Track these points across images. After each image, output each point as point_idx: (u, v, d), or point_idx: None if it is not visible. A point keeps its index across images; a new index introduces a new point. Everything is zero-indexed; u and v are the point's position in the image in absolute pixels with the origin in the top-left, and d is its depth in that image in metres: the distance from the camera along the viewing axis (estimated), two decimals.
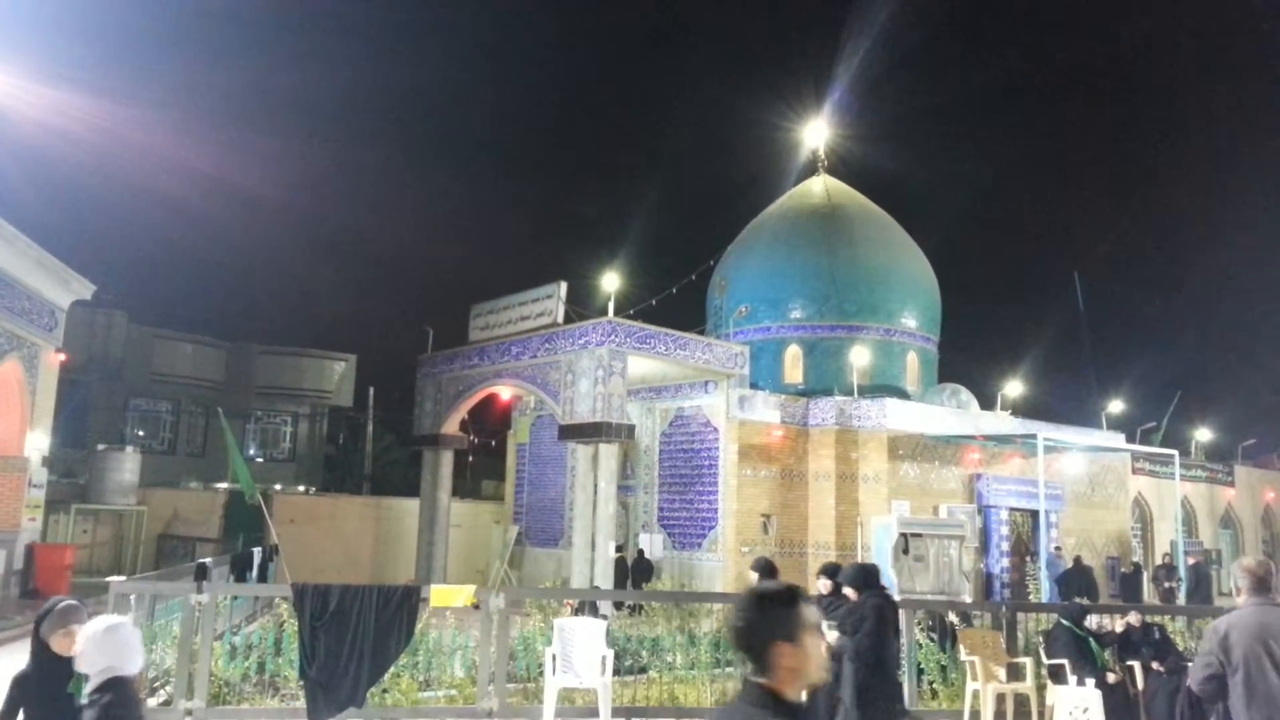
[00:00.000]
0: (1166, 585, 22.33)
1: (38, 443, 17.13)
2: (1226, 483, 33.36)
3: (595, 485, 19.37)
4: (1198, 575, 20.63)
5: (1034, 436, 21.23)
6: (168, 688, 8.92)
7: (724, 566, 20.52)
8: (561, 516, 23.98)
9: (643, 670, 10.31)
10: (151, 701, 8.82)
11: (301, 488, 30.14)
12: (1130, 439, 29.32)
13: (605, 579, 18.86)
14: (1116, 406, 31.43)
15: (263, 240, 65.66)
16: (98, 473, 23.21)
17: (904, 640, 9.22)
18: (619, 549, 20.79)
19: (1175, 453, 25.34)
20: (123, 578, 9.64)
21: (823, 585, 7.86)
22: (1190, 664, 8.55)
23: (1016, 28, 78.27)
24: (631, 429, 20.40)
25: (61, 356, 17.91)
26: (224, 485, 25.70)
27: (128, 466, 23.50)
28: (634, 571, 20.72)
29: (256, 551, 16.46)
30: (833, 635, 6.94)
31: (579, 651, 8.82)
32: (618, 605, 16.49)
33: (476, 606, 8.88)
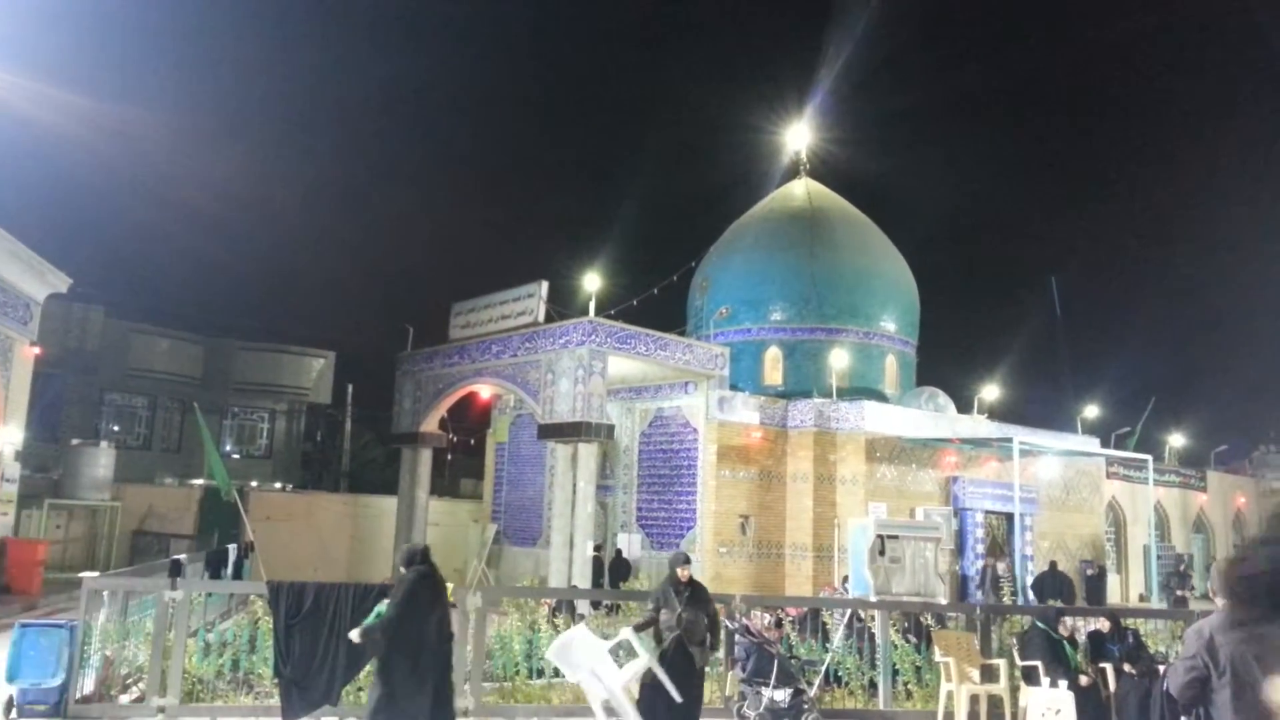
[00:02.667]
0: (1179, 593, 22.36)
1: (10, 437, 16.97)
2: (1199, 488, 33.76)
3: (574, 485, 19.36)
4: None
5: (1010, 440, 21.42)
6: (140, 685, 8.86)
7: (702, 567, 20.53)
8: (540, 516, 23.95)
9: None
10: (124, 698, 8.76)
11: (278, 485, 29.96)
12: (1105, 444, 29.59)
13: (583, 578, 18.86)
14: (1092, 411, 31.72)
15: (242, 236, 65.21)
16: (72, 468, 22.98)
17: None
18: (597, 549, 20.80)
19: (1149, 458, 25.65)
20: (96, 574, 9.56)
21: (681, 574, 7.99)
22: (1163, 666, 8.66)
23: (995, 34, 78.84)
24: (611, 429, 20.40)
25: (36, 350, 17.75)
26: (200, 481, 25.50)
27: (102, 462, 23.28)
28: (611, 571, 20.73)
29: (232, 548, 16.39)
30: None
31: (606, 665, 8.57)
32: (595, 605, 16.49)
33: (453, 605, 8.86)
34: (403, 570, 6.98)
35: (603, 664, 7.52)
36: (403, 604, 6.57)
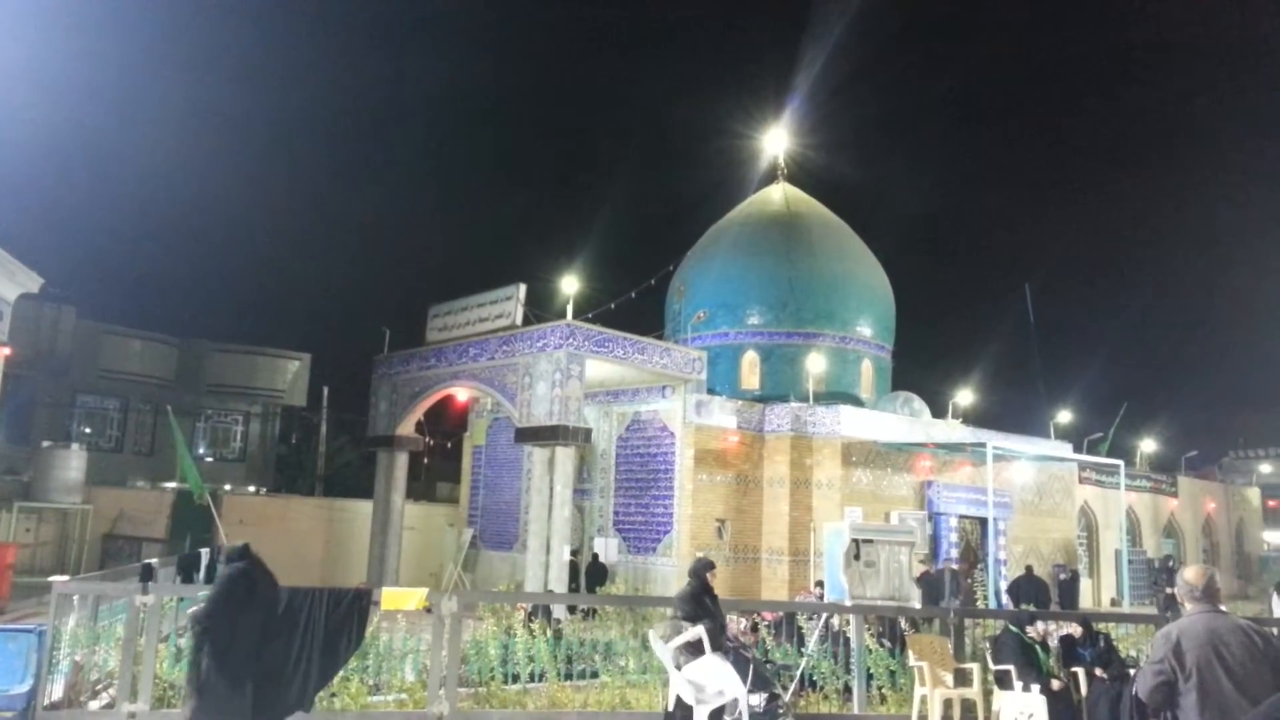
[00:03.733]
0: (1168, 590, 22.46)
1: None
2: (1170, 493, 34.12)
3: (551, 488, 19.31)
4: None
5: (984, 445, 21.59)
6: (111, 690, 8.76)
7: (678, 571, 20.54)
8: (517, 520, 23.89)
9: (594, 675, 10.30)
10: (93, 705, 8.67)
11: (252, 488, 29.72)
12: (1077, 449, 29.88)
13: (560, 583, 18.82)
14: (1064, 417, 32.03)
15: (217, 237, 64.67)
16: (42, 470, 22.70)
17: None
18: (574, 553, 20.76)
19: (1121, 463, 25.92)
20: (66, 578, 9.47)
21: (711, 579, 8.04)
22: (1134, 671, 8.75)
23: (968, 42, 79.50)
24: (588, 432, 20.39)
25: (6, 351, 17.52)
26: (172, 485, 25.26)
27: (73, 464, 23.01)
28: (588, 575, 20.70)
29: (205, 552, 16.22)
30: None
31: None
32: (571, 609, 16.47)
33: (429, 609, 8.82)
34: (222, 568, 6.79)
35: (730, 682, 7.60)
36: (213, 602, 6.34)
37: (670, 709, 7.80)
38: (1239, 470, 46.18)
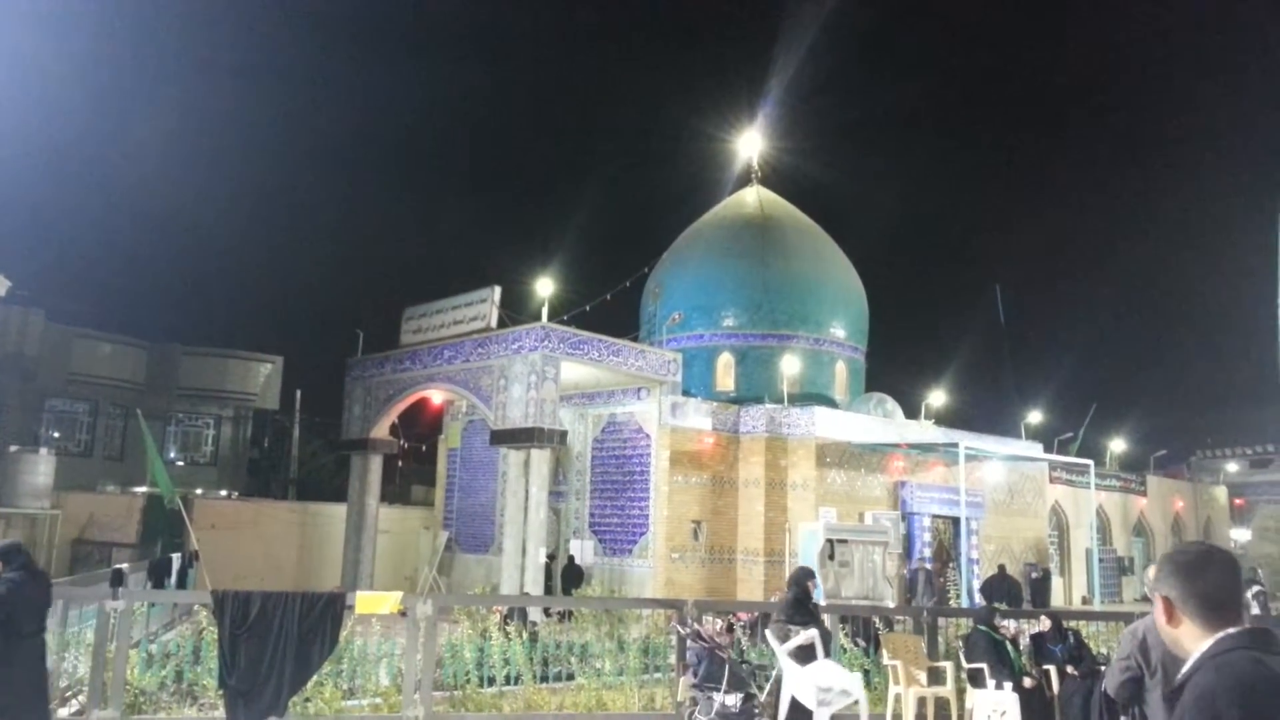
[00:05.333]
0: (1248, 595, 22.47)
1: None
2: (1139, 492, 34.56)
3: (527, 491, 19.29)
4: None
5: (956, 445, 21.79)
6: (80, 697, 8.67)
7: (654, 572, 20.59)
8: (492, 522, 23.82)
9: (570, 677, 10.31)
10: (63, 712, 8.57)
11: (224, 492, 29.43)
12: (1048, 449, 30.19)
13: (536, 585, 18.79)
14: (1035, 417, 32.34)
15: (188, 238, 64.07)
16: (9, 475, 22.37)
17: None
18: (550, 556, 20.72)
19: (1091, 463, 26.25)
20: None
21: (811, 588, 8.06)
22: (1104, 668, 8.85)
23: (940, 47, 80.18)
24: (564, 435, 20.37)
25: None
26: (143, 489, 24.97)
27: (41, 469, 22.69)
28: (564, 577, 20.67)
29: (176, 557, 16.10)
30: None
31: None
32: (547, 611, 16.45)
33: (403, 613, 8.79)
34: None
35: (854, 684, 7.86)
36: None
37: (782, 718, 7.87)
38: (1207, 469, 46.77)
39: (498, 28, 77.74)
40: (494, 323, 20.54)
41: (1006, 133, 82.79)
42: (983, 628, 9.76)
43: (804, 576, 8.11)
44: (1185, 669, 2.13)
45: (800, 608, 7.93)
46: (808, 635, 7.73)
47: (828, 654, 7.84)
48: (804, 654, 7.76)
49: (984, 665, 9.45)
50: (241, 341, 36.01)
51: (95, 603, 8.91)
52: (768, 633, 8.68)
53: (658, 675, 9.94)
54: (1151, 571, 4.93)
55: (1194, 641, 2.18)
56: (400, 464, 32.13)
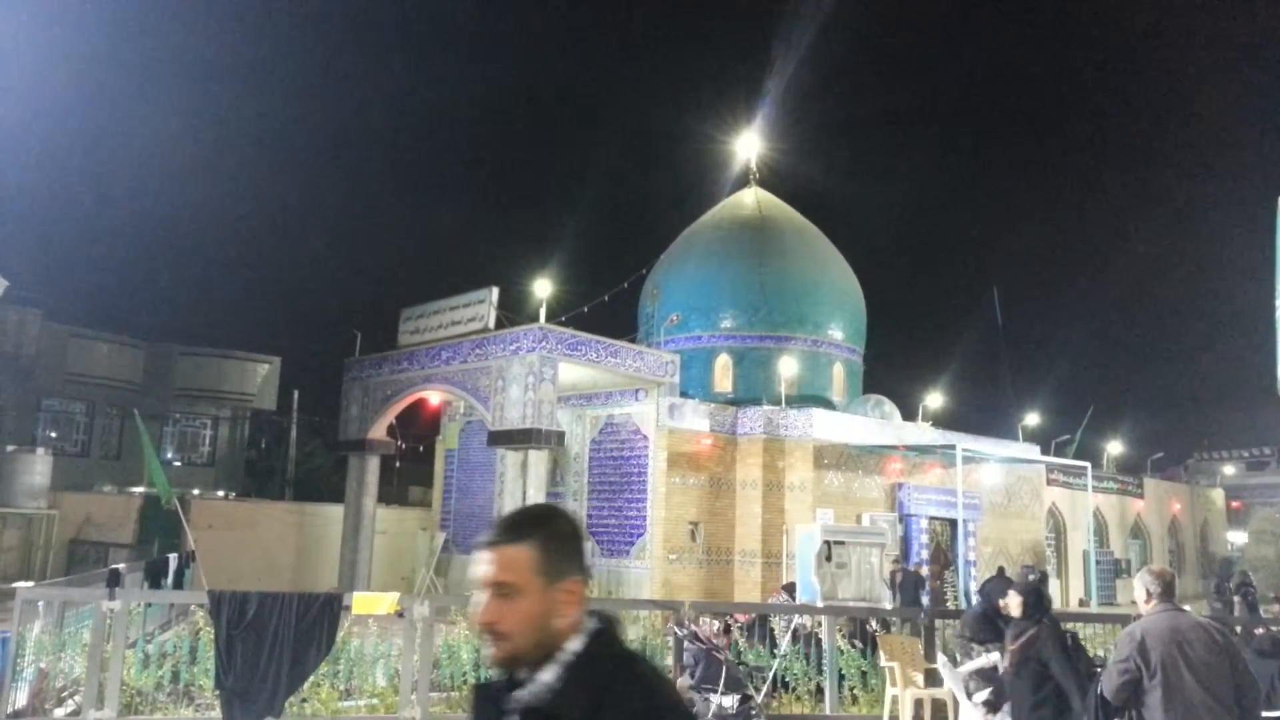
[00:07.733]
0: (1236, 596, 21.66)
1: None
2: (1136, 494, 34.59)
3: (524, 492, 19.28)
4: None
5: (953, 447, 21.80)
6: (77, 698, 8.66)
7: (651, 574, 20.58)
8: (489, 523, 23.70)
9: None
10: (59, 712, 8.56)
11: (221, 493, 29.38)
12: (1045, 451, 30.22)
13: None
14: (1032, 420, 32.36)
15: (186, 238, 64.06)
16: (6, 475, 22.35)
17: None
18: None
19: (1088, 465, 26.27)
20: (31, 584, 9.35)
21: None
22: (1100, 670, 8.83)
23: (938, 50, 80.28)
24: (561, 436, 20.37)
25: None
26: (140, 489, 24.92)
27: (38, 469, 22.68)
28: None
29: (172, 558, 16.05)
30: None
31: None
32: None
33: (400, 614, 8.79)
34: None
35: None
36: None
37: None
38: (1203, 472, 46.87)
39: (496, 28, 77.79)
40: (492, 324, 20.54)
41: (1005, 133, 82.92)
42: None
43: (995, 591, 7.23)
44: None
45: (988, 624, 7.10)
46: (990, 658, 6.84)
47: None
48: (982, 679, 7.01)
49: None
50: (239, 342, 35.93)
51: (92, 603, 8.91)
52: (941, 657, 7.81)
53: None
54: (1149, 573, 4.96)
55: None
56: (398, 465, 32.10)
